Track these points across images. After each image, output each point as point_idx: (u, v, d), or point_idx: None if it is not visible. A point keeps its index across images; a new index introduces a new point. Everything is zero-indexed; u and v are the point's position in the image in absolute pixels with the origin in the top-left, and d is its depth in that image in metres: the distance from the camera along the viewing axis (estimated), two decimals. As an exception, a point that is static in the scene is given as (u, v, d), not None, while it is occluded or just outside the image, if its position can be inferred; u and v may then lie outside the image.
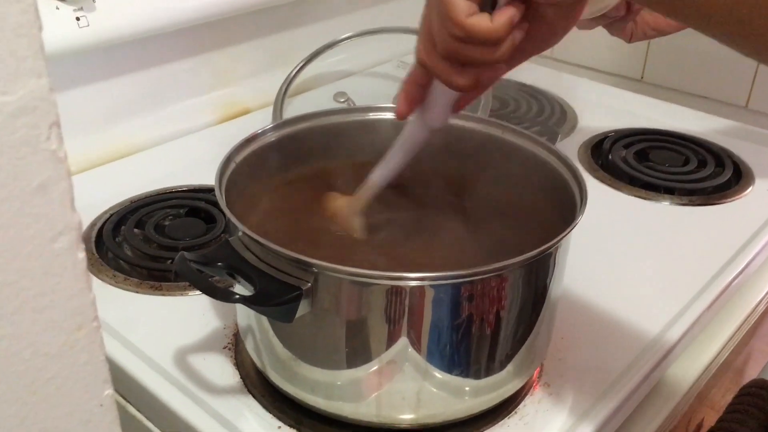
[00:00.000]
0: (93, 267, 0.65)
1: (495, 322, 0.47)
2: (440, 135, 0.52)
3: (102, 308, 0.59)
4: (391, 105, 0.60)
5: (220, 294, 0.43)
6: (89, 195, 0.75)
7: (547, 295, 0.50)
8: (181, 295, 0.62)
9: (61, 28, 0.70)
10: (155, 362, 0.55)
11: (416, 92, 0.48)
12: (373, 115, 0.62)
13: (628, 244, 0.71)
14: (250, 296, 0.43)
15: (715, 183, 0.81)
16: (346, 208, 0.54)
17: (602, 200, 0.79)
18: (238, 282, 0.46)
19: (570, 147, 0.89)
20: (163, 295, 0.62)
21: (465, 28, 0.40)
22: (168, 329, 0.58)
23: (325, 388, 0.48)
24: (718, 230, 0.74)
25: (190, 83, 0.89)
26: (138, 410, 0.55)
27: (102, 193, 0.76)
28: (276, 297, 0.43)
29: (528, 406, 0.53)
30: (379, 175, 0.53)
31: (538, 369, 0.56)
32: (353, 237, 0.54)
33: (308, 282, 0.44)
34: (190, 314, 0.60)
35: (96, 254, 0.67)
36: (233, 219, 0.46)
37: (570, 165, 0.54)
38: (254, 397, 0.53)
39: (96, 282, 0.63)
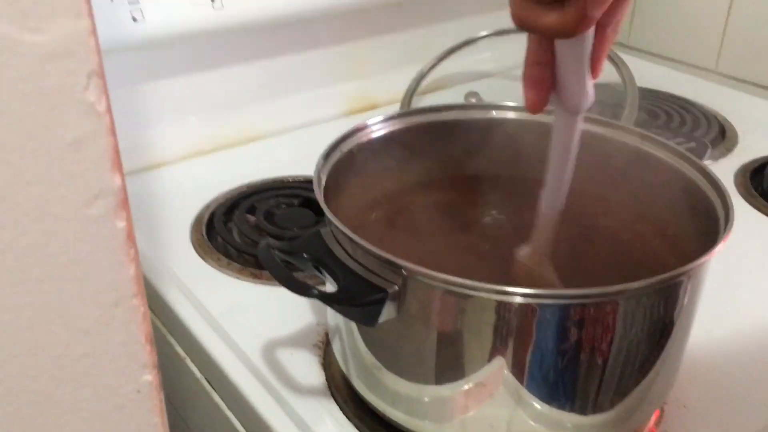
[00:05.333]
0: (200, 249, 0.65)
1: (607, 353, 0.41)
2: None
3: (202, 291, 0.60)
4: (514, 104, 0.55)
5: (297, 286, 0.40)
6: (209, 177, 0.76)
7: (674, 329, 0.43)
8: (280, 285, 0.60)
9: (197, 9, 0.71)
10: (242, 351, 0.53)
11: (541, 73, 0.40)
12: (498, 114, 0.57)
13: (785, 284, 0.62)
14: (330, 293, 0.40)
15: None
16: (530, 262, 0.46)
17: (759, 231, 0.69)
18: (324, 277, 0.43)
19: (726, 169, 0.79)
20: (263, 283, 0.60)
21: None
22: (261, 319, 0.57)
23: (407, 401, 0.44)
24: None
25: (319, 73, 0.88)
26: (221, 399, 0.54)
27: (221, 176, 0.76)
28: (358, 297, 0.39)
29: (640, 456, 0.46)
30: (550, 202, 0.44)
31: (657, 414, 0.49)
32: (461, 245, 0.49)
33: (395, 285, 0.40)
34: (285, 306, 0.57)
35: (205, 236, 0.66)
36: (324, 206, 0.42)
37: (714, 180, 0.46)
38: (336, 401, 0.50)
39: (201, 265, 0.63)
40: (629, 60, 0.87)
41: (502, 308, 0.39)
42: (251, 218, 0.69)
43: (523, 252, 0.47)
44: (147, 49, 0.74)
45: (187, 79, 0.80)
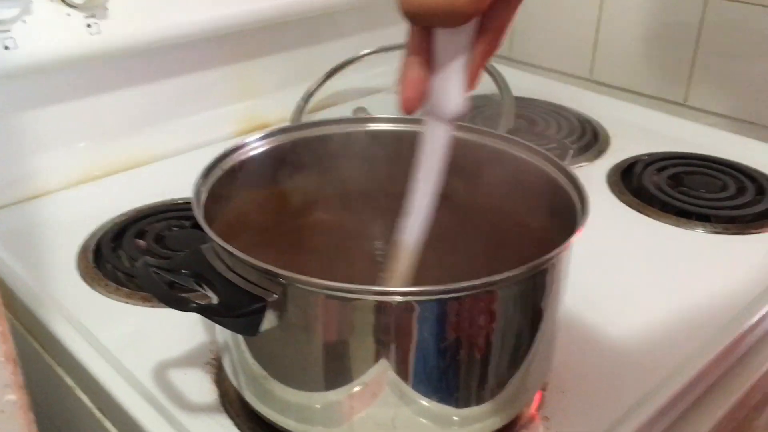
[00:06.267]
0: (88, 277, 0.64)
1: (485, 345, 0.43)
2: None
3: (90, 319, 0.59)
4: (390, 116, 0.57)
5: (175, 301, 0.41)
6: (96, 204, 0.74)
7: (544, 316, 0.45)
8: (152, 306, 0.60)
9: (72, 35, 0.70)
10: (133, 376, 0.53)
11: (417, 73, 0.39)
12: (374, 126, 0.59)
13: (653, 272, 0.66)
14: (208, 305, 0.40)
15: (754, 211, 0.76)
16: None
17: (628, 226, 0.74)
18: (205, 292, 0.43)
19: (599, 169, 0.84)
20: (153, 307, 0.60)
21: None
22: (153, 342, 0.56)
23: (295, 409, 0.45)
24: (754, 261, 0.68)
25: (209, 95, 0.88)
26: (113, 426, 0.53)
27: (110, 202, 0.74)
28: (238, 307, 0.40)
29: (522, 441, 0.49)
30: (413, 229, 0.44)
31: (538, 401, 0.51)
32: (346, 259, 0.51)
33: (275, 294, 0.41)
34: (177, 328, 0.57)
35: (93, 264, 0.65)
36: (201, 221, 0.43)
37: (569, 173, 0.49)
38: (229, 416, 0.50)
39: (89, 293, 0.62)
40: (510, 72, 0.91)
41: (382, 309, 0.40)
42: (141, 243, 0.68)
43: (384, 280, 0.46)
44: (24, 77, 0.72)
45: (70, 105, 0.78)
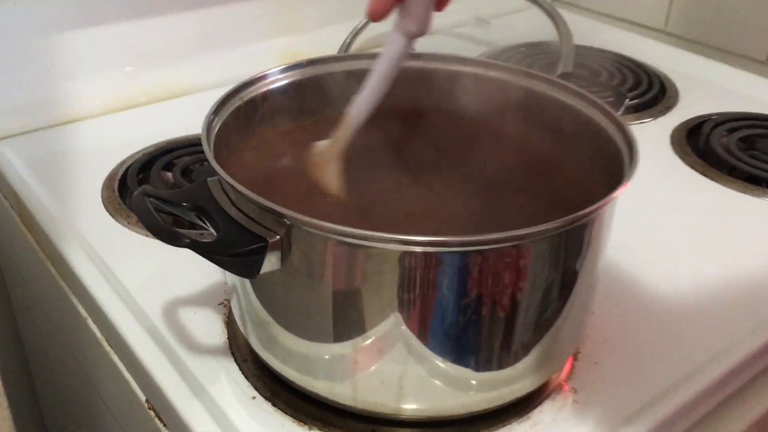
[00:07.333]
0: (111, 207, 0.62)
1: (510, 304, 0.39)
2: (470, 82, 0.44)
3: (108, 251, 0.57)
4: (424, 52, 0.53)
5: (167, 235, 0.38)
6: (129, 133, 0.73)
7: (578, 276, 0.41)
8: (191, 243, 0.57)
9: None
10: (143, 312, 0.51)
11: None
12: (426, 63, 0.54)
13: (711, 241, 0.60)
14: (205, 242, 0.37)
15: (834, 181, 0.68)
16: (322, 156, 0.46)
17: (689, 189, 0.68)
18: (206, 227, 0.40)
19: (663, 128, 0.77)
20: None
21: None
22: (167, 278, 0.54)
23: (297, 358, 0.42)
24: (828, 236, 0.61)
25: (253, 27, 0.84)
26: (120, 360, 0.51)
27: (142, 132, 0.73)
28: (236, 246, 0.37)
29: (545, 412, 0.45)
30: (360, 106, 0.45)
31: (568, 371, 0.47)
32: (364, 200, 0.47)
33: (277, 234, 0.37)
34: (194, 263, 0.55)
35: (117, 194, 0.64)
36: (207, 152, 0.40)
37: (618, 123, 0.44)
38: (236, 360, 0.47)
39: (111, 223, 0.60)
40: (580, 21, 0.85)
41: (397, 258, 0.36)
42: (168, 175, 0.66)
43: (320, 144, 0.46)
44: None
45: (109, 29, 0.76)
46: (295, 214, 0.36)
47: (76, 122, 0.74)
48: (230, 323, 0.50)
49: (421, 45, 0.92)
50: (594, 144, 0.45)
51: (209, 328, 0.50)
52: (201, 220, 0.40)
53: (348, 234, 0.36)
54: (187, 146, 0.70)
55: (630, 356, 0.48)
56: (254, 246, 0.37)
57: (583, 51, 0.78)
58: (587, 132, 0.46)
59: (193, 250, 0.37)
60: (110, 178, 0.65)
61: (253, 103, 0.49)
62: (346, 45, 0.83)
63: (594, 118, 0.45)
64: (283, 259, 0.38)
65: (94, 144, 0.71)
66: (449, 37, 0.94)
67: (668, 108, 0.82)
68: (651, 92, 0.84)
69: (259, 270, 0.38)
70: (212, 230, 0.39)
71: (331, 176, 0.45)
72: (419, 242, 0.36)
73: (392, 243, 0.36)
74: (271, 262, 0.38)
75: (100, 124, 0.75)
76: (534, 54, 0.86)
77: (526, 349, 0.42)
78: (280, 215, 0.37)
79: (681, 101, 0.83)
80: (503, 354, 0.41)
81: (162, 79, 0.80)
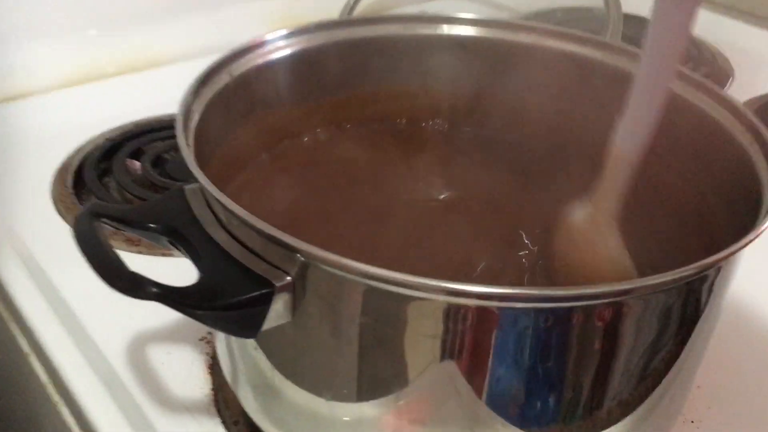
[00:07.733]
0: (62, 206, 0.50)
1: (603, 372, 0.28)
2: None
3: (52, 263, 0.44)
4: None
5: (123, 282, 0.26)
6: (91, 112, 0.61)
7: (690, 339, 0.30)
8: (163, 255, 0.45)
9: None
10: (97, 348, 0.39)
11: None
12: (450, 30, 0.42)
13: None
14: (180, 290, 0.25)
15: None
16: (589, 225, 0.32)
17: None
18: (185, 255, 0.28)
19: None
20: (141, 252, 0.46)
21: None
22: (133, 304, 0.41)
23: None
24: None
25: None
26: (70, 413, 0.40)
27: (107, 111, 0.61)
28: (226, 294, 0.25)
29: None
30: (630, 139, 0.30)
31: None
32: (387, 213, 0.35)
33: (288, 275, 0.26)
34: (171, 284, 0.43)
35: (71, 189, 0.51)
36: (184, 148, 0.28)
37: (753, 125, 0.33)
38: (223, 422, 0.36)
39: (61, 226, 0.48)
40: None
41: (453, 313, 0.25)
42: (135, 164, 0.54)
43: (580, 211, 0.32)
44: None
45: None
46: (317, 250, 0.24)
47: (23, 98, 0.62)
48: (215, 368, 0.39)
49: (432, 8, 0.81)
50: (711, 152, 0.33)
51: (187, 374, 0.38)
52: (175, 247, 0.28)
53: (395, 282, 0.24)
54: (161, 129, 0.58)
55: (734, 416, 0.38)
56: (254, 294, 0.25)
57: (627, 20, 0.67)
58: (700, 134, 0.34)
59: (164, 304, 0.25)
60: (63, 169, 0.53)
61: (245, 80, 0.37)
62: (350, 6, 0.71)
63: (713, 115, 0.34)
64: (295, 309, 0.26)
65: (44, 125, 0.59)
66: (463, 0, 0.83)
67: (721, 85, 0.71)
68: (700, 70, 0.73)
69: (260, 327, 0.26)
70: (191, 261, 0.28)
71: (609, 250, 0.32)
72: (493, 295, 0.24)
73: (461, 296, 0.24)
74: (277, 313, 0.26)
75: (53, 101, 0.63)
76: (570, 21, 0.75)
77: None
78: (293, 249, 0.25)
79: (736, 78, 0.73)
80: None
81: (132, 46, 0.69)
